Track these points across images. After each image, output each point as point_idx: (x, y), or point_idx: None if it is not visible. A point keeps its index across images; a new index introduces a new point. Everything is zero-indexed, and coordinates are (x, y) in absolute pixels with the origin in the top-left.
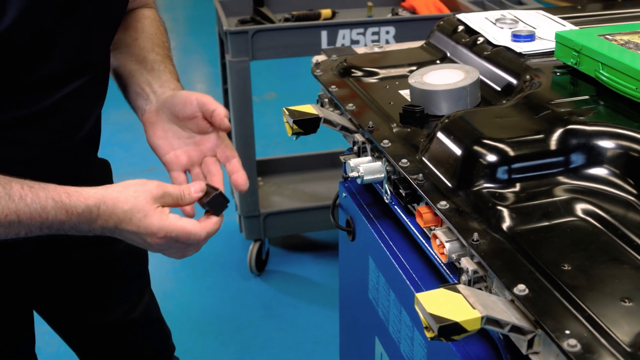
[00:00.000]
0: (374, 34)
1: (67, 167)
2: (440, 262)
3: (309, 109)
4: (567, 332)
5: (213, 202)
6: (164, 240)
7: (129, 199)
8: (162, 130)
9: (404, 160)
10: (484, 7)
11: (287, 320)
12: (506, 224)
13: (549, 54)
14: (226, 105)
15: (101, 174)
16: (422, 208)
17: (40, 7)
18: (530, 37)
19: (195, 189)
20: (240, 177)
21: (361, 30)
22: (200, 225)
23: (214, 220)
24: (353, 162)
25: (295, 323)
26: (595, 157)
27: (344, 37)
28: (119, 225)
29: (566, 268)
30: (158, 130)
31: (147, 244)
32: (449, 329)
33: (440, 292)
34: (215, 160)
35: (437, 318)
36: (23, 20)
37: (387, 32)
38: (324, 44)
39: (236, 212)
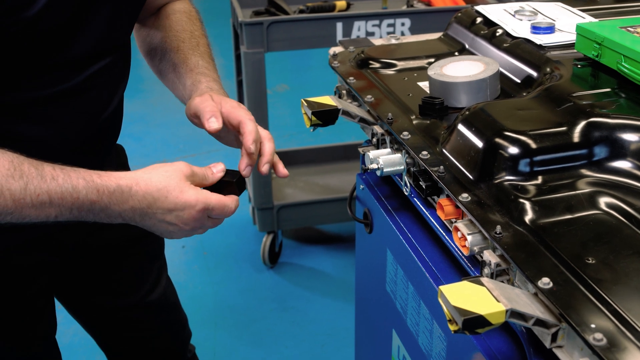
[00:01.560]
0: (389, 25)
1: (91, 151)
2: (461, 255)
3: (328, 100)
4: (593, 325)
5: (239, 182)
6: (201, 213)
7: (162, 178)
8: (217, 136)
9: (425, 152)
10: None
11: (300, 312)
12: (529, 216)
13: (569, 46)
14: (240, 97)
15: (119, 160)
16: (443, 200)
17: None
18: (550, 29)
19: (217, 169)
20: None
21: (376, 22)
22: (229, 198)
23: (236, 197)
24: (372, 154)
25: (308, 315)
26: (619, 150)
27: (359, 28)
28: (153, 205)
29: (590, 261)
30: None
31: (180, 221)
32: (474, 322)
33: (464, 285)
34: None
35: (461, 311)
36: (52, 5)
37: (403, 24)
38: (339, 36)
39: (249, 204)
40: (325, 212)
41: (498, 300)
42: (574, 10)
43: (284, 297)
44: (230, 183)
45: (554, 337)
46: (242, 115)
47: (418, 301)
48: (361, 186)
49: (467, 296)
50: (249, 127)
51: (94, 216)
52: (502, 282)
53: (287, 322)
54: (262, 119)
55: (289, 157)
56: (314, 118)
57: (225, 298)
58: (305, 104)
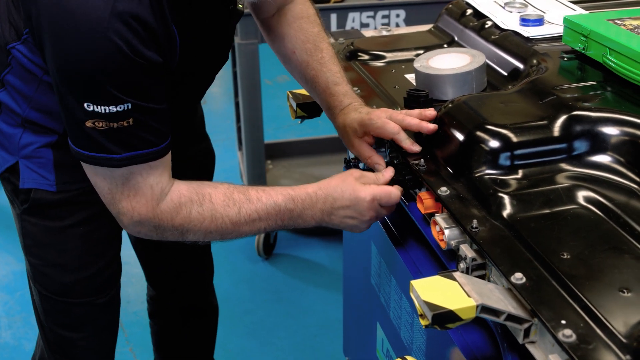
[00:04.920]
0: (384, 17)
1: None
2: (440, 249)
3: None
4: (563, 322)
5: (404, 181)
6: (371, 203)
7: (338, 181)
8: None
9: None
10: None
11: (294, 304)
12: (507, 211)
13: (558, 38)
14: (235, 88)
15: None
16: (423, 194)
17: (195, 50)
18: (539, 21)
19: (387, 172)
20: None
21: (371, 13)
22: (393, 187)
23: (400, 187)
24: None
25: (302, 307)
26: (600, 144)
27: (353, 20)
28: (335, 203)
29: (565, 257)
30: None
31: (358, 214)
32: (443, 317)
33: (436, 280)
34: None
35: (431, 306)
36: (186, 60)
37: (398, 16)
38: (334, 27)
39: None
40: None
41: (469, 296)
42: (565, 2)
43: (278, 288)
44: (397, 181)
45: (526, 333)
46: (388, 131)
47: (400, 295)
48: None
49: (439, 291)
50: (402, 137)
51: (293, 222)
52: (478, 277)
53: (280, 314)
54: (256, 110)
55: (285, 148)
56: (298, 110)
57: (220, 289)
58: (291, 96)
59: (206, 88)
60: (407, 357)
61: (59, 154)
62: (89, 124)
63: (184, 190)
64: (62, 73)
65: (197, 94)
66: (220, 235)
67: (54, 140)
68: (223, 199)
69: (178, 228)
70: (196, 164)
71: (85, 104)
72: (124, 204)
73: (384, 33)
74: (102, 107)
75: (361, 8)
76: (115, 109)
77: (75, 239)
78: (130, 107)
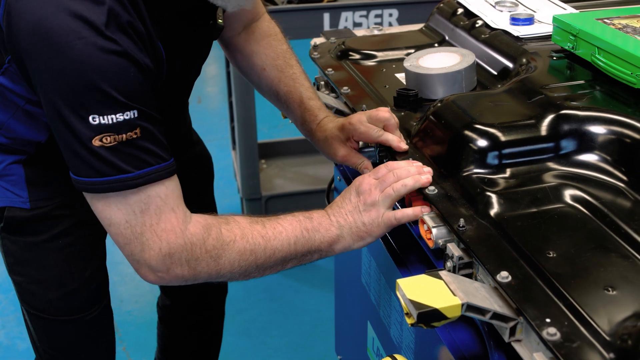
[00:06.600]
0: (376, 16)
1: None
2: (427, 247)
3: None
4: (548, 320)
5: None
6: (368, 177)
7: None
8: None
9: None
10: None
11: (287, 303)
12: (494, 210)
13: (547, 37)
14: (229, 88)
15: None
16: (411, 193)
17: (179, 68)
18: (529, 20)
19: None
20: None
21: (364, 12)
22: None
23: None
24: None
25: (295, 306)
26: (587, 143)
27: (346, 19)
28: (341, 206)
29: (551, 255)
30: None
31: (360, 192)
32: (429, 316)
33: (422, 278)
34: None
35: (416, 304)
36: (169, 74)
37: (390, 15)
38: (327, 27)
39: (238, 195)
40: (313, 203)
41: (454, 294)
42: (556, 1)
43: (272, 287)
44: None
45: (512, 331)
46: (373, 136)
47: (389, 294)
48: (338, 177)
49: (424, 289)
50: (388, 137)
51: (316, 233)
52: (466, 275)
53: (274, 313)
54: (249, 109)
55: (279, 148)
56: None
57: None
58: None
59: (186, 99)
60: (395, 355)
61: (31, 171)
62: (96, 142)
63: (204, 215)
64: (61, 92)
65: (178, 106)
66: (254, 255)
67: (25, 158)
68: (244, 217)
69: (212, 253)
70: (192, 169)
71: (90, 118)
72: (148, 236)
73: (376, 32)
74: (109, 117)
75: (354, 7)
76: (122, 117)
77: (54, 253)
78: (136, 114)
